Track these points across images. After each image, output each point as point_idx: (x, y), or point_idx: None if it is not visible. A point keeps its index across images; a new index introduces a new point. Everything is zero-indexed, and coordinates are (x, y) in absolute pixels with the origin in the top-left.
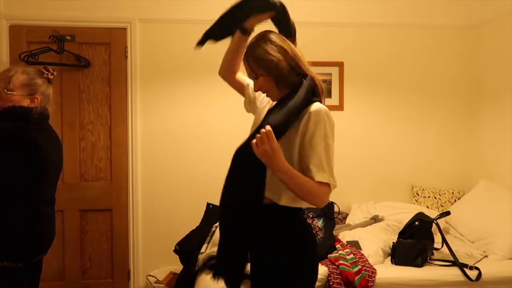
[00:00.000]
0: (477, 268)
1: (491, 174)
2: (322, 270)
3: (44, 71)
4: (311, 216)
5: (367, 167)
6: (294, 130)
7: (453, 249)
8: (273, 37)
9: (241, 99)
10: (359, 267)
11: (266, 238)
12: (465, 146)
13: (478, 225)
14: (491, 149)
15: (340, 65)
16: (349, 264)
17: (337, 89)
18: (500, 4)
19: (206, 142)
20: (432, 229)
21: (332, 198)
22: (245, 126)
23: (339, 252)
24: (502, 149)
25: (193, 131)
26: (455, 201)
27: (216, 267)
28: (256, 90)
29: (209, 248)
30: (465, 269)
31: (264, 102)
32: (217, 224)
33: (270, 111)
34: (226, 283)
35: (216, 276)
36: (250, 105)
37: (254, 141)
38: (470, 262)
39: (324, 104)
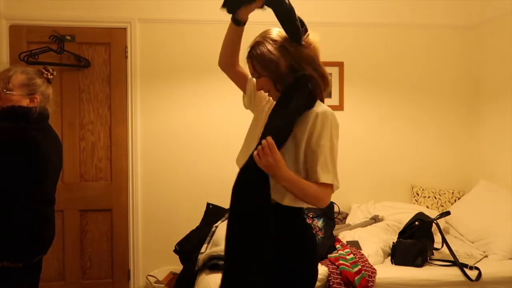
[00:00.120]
0: (477, 268)
1: (491, 174)
2: (322, 270)
3: (44, 71)
4: (311, 216)
5: (367, 167)
6: (300, 131)
7: (453, 249)
8: (276, 36)
9: (241, 98)
10: (359, 267)
11: (267, 238)
12: (465, 146)
13: (478, 225)
14: (491, 149)
15: (340, 65)
16: (349, 264)
17: (337, 89)
18: (500, 4)
19: (206, 142)
20: (432, 229)
21: (332, 198)
22: (245, 126)
23: (339, 252)
24: (502, 149)
25: (193, 131)
26: (455, 201)
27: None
28: (258, 89)
29: (209, 248)
30: (465, 269)
31: (264, 100)
32: (217, 224)
33: (270, 116)
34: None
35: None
36: (250, 101)
37: (255, 153)
38: (470, 262)
39: (323, 102)
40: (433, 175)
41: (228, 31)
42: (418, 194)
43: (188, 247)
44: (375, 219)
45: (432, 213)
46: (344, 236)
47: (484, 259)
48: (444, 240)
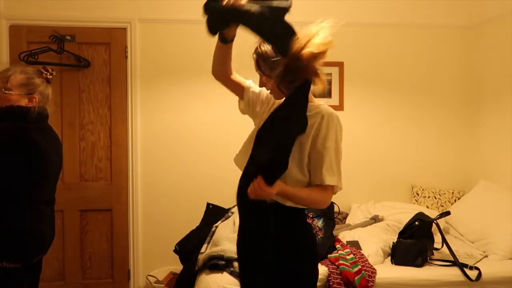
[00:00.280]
0: (477, 268)
1: (491, 174)
2: (322, 270)
3: (43, 71)
4: (311, 216)
5: (367, 167)
6: (305, 133)
7: (453, 249)
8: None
9: None
10: (359, 267)
11: (268, 238)
12: (465, 146)
13: (478, 225)
14: (491, 149)
15: (340, 65)
16: (349, 264)
17: (337, 89)
18: (500, 4)
19: (206, 142)
20: (432, 229)
21: (332, 198)
22: (245, 126)
23: (339, 252)
24: (502, 149)
25: (193, 131)
26: (455, 201)
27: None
28: (260, 86)
29: (209, 248)
30: (465, 269)
31: (264, 106)
32: (217, 224)
33: (262, 138)
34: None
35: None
36: (248, 108)
37: (249, 190)
38: (470, 262)
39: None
40: (433, 175)
41: (216, 47)
42: (418, 194)
43: (188, 247)
44: (375, 219)
45: (432, 213)
46: (344, 236)
47: (484, 259)
48: (444, 240)
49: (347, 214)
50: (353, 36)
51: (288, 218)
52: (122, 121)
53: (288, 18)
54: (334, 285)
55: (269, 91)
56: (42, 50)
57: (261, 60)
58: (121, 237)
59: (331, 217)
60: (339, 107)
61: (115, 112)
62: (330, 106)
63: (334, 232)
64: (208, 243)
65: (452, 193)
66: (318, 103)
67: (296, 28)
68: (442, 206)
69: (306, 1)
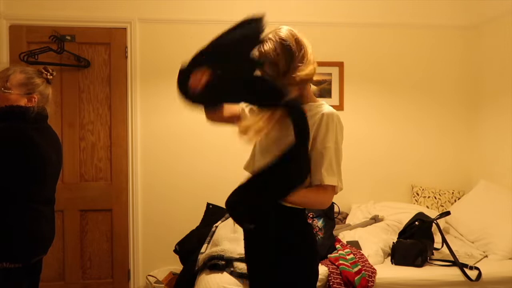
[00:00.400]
0: (477, 268)
1: (491, 174)
2: (322, 270)
3: (44, 71)
4: (311, 216)
5: (367, 167)
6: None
7: (453, 249)
8: (285, 35)
9: None
10: (359, 267)
11: (268, 238)
12: (465, 146)
13: (478, 225)
14: (491, 149)
15: (340, 65)
16: (349, 264)
17: (337, 89)
18: (500, 4)
19: (206, 142)
20: (432, 229)
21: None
22: None
23: (339, 252)
24: (502, 149)
25: (193, 131)
26: (455, 201)
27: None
28: None
29: (209, 248)
30: (465, 269)
31: None
32: (217, 224)
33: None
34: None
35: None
36: None
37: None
38: (470, 262)
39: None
40: (433, 175)
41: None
42: (418, 194)
43: (188, 247)
44: (375, 219)
45: (432, 213)
46: (344, 236)
47: (484, 259)
48: (444, 240)
49: (347, 214)
50: (353, 36)
51: (288, 218)
52: (122, 121)
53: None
54: (334, 285)
55: None
56: (42, 50)
57: (263, 59)
58: (121, 237)
59: (331, 217)
60: (339, 107)
61: (115, 112)
62: (330, 106)
63: (334, 232)
64: (208, 243)
65: (452, 193)
66: (319, 103)
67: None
68: (442, 206)
69: (306, 1)
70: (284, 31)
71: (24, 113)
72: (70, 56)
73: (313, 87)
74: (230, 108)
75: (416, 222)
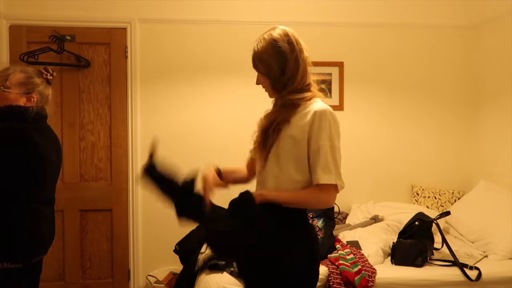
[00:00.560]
0: (477, 268)
1: (491, 174)
2: (322, 270)
3: (44, 71)
4: (311, 216)
5: (367, 167)
6: (299, 130)
7: (453, 249)
8: (278, 35)
9: (242, 98)
10: (359, 267)
11: (268, 238)
12: (465, 146)
13: (478, 225)
14: (491, 149)
15: (340, 65)
16: (349, 264)
17: (337, 89)
18: (500, 4)
19: (206, 142)
20: (432, 229)
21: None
22: (245, 126)
23: (339, 252)
24: (502, 149)
25: (193, 131)
26: (455, 201)
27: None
28: (257, 83)
29: (209, 248)
30: (465, 269)
31: None
32: None
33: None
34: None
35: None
36: None
37: None
38: (470, 262)
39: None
40: (433, 175)
41: None
42: (418, 194)
43: (188, 247)
44: (375, 219)
45: (432, 213)
46: (344, 236)
47: (484, 259)
48: (444, 240)
49: (347, 214)
50: (353, 36)
51: (289, 218)
52: (122, 121)
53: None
54: (334, 285)
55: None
56: (42, 50)
57: (256, 58)
58: (121, 237)
59: (331, 217)
60: (339, 107)
61: (115, 112)
62: (330, 106)
63: (334, 232)
64: None
65: (452, 193)
66: (312, 100)
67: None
68: (442, 206)
69: (306, 1)
70: (277, 31)
71: (23, 113)
72: (70, 56)
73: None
74: (248, 161)
75: (416, 222)
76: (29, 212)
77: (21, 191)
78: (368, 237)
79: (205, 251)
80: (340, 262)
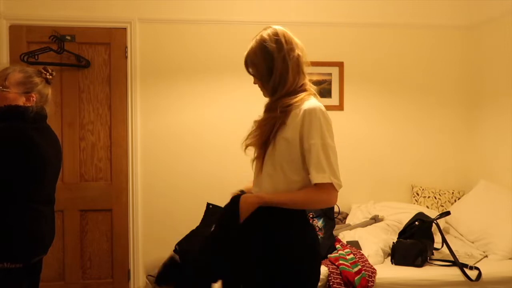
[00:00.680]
0: (477, 268)
1: (491, 174)
2: (322, 270)
3: (43, 71)
4: (311, 216)
5: (367, 167)
6: (292, 130)
7: (453, 249)
8: (267, 35)
9: (242, 98)
10: (359, 267)
11: (268, 238)
12: (465, 146)
13: (478, 225)
14: (491, 149)
15: (340, 65)
16: (349, 264)
17: (337, 89)
18: (500, 4)
19: (206, 142)
20: (432, 229)
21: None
22: (244, 126)
23: (339, 252)
24: (502, 149)
25: (193, 131)
26: (455, 201)
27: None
28: (254, 82)
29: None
30: (465, 269)
31: None
32: None
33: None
34: None
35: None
36: None
37: None
38: (470, 262)
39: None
40: (433, 175)
41: None
42: (418, 194)
43: (188, 247)
44: (375, 219)
45: (432, 213)
46: (344, 236)
47: (484, 259)
48: (444, 240)
49: (347, 214)
50: (353, 36)
51: (286, 218)
52: (122, 121)
53: None
54: (334, 285)
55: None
56: (42, 50)
57: (248, 60)
58: (121, 237)
59: (331, 217)
60: (339, 107)
61: (115, 112)
62: (331, 106)
63: (334, 232)
64: None
65: (452, 193)
66: (302, 98)
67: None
68: (442, 206)
69: (306, 1)
70: (267, 31)
71: (23, 113)
72: (70, 56)
73: (313, 87)
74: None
75: (416, 222)
76: (29, 212)
77: (21, 191)
78: (368, 237)
79: None
80: (340, 262)
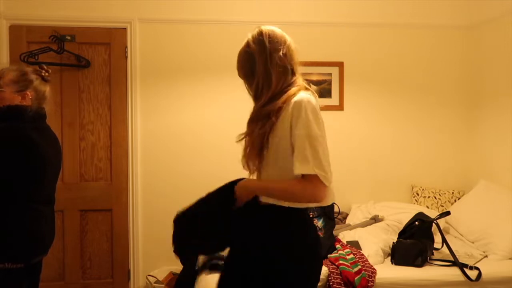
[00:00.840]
0: (477, 268)
1: (491, 174)
2: (322, 270)
3: (38, 69)
4: (311, 216)
5: (367, 167)
6: (283, 127)
7: (453, 249)
8: (252, 38)
9: (242, 98)
10: (359, 267)
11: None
12: (465, 146)
13: (478, 225)
14: (491, 149)
15: (340, 65)
16: (349, 264)
17: (337, 89)
18: (500, 4)
19: (206, 142)
20: (432, 229)
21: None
22: (245, 126)
23: (339, 252)
24: (502, 149)
25: (193, 131)
26: (455, 201)
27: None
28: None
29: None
30: (465, 269)
31: None
32: None
33: None
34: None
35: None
36: None
37: None
38: (470, 262)
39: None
40: (433, 175)
41: None
42: (418, 194)
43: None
44: (375, 219)
45: (432, 213)
46: (344, 236)
47: (484, 259)
48: (444, 240)
49: (347, 214)
50: (353, 36)
51: (284, 217)
52: (122, 121)
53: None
54: (334, 285)
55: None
56: (42, 50)
57: (238, 65)
58: (121, 237)
59: (331, 217)
60: (339, 107)
61: (115, 112)
62: (331, 106)
63: (334, 232)
64: None
65: (452, 193)
66: (289, 96)
67: (296, 28)
68: (442, 206)
69: (306, 1)
70: (254, 31)
71: (22, 113)
72: (70, 56)
73: (312, 87)
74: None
75: (416, 222)
76: (29, 212)
77: (21, 191)
78: (368, 237)
79: None
80: (340, 262)
